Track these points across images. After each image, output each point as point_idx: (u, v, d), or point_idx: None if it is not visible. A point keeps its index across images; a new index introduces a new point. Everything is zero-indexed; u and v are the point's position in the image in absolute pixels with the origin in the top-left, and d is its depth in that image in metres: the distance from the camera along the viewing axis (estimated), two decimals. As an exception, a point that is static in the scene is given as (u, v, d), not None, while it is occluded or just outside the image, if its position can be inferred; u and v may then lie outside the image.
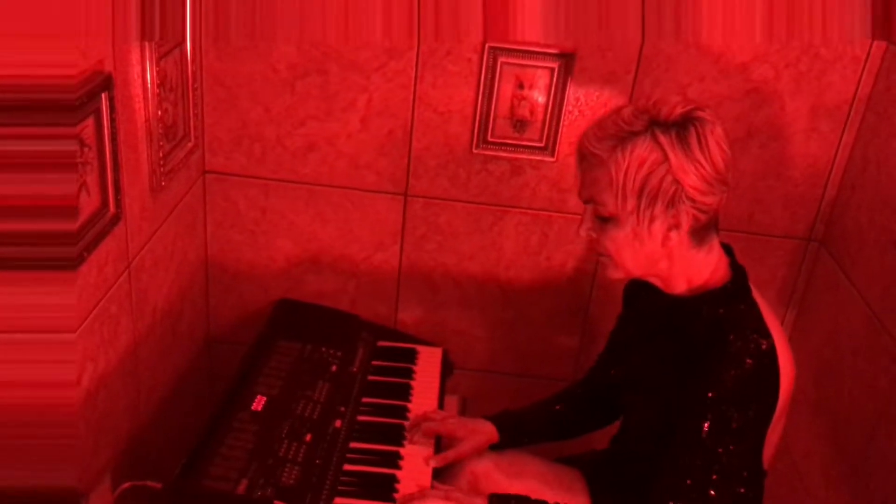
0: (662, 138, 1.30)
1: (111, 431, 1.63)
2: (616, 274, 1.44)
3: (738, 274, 1.44)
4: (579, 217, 1.46)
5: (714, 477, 1.33)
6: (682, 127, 1.31)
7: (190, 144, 1.87)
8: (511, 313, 2.20)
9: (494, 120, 1.95)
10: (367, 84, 1.93)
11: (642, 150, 1.30)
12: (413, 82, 1.93)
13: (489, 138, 1.97)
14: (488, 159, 2.00)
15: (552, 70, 1.88)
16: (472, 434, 1.68)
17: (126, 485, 1.52)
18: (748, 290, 1.43)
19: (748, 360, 1.31)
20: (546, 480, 1.68)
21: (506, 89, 1.91)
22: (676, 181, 1.30)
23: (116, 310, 1.58)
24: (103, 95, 1.38)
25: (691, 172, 1.30)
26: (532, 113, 1.94)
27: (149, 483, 1.48)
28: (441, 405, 1.85)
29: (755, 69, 1.88)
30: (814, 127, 1.93)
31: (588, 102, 1.93)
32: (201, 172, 2.03)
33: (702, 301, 1.41)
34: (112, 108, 1.41)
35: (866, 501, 1.71)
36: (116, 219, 1.50)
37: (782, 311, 2.13)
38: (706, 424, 1.32)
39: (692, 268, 1.41)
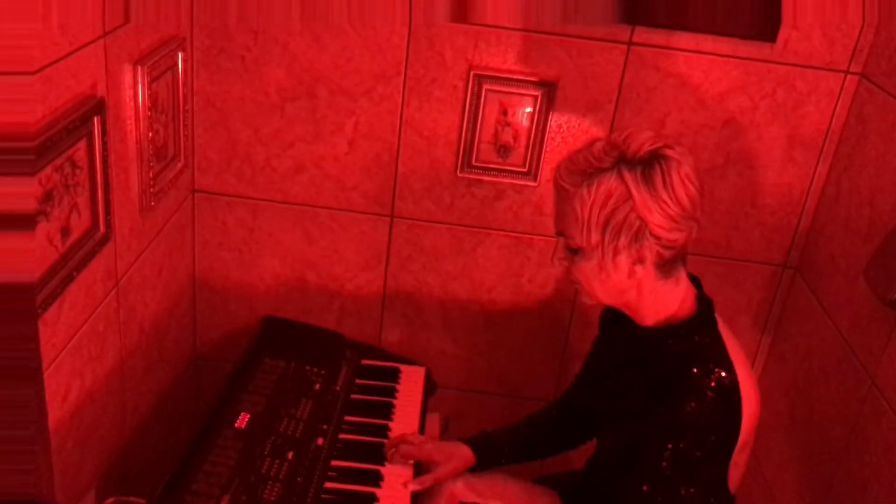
0: (628, 175, 1.32)
1: (97, 447, 1.65)
2: (589, 301, 1.49)
3: (704, 306, 1.46)
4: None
5: None
6: (648, 164, 1.33)
7: (180, 164, 1.90)
8: (493, 334, 2.24)
9: (478, 145, 1.99)
10: (355, 108, 1.97)
11: (608, 186, 1.33)
12: (400, 107, 1.97)
13: (473, 162, 2.01)
14: (472, 183, 2.05)
15: (535, 98, 1.93)
16: (449, 459, 1.70)
17: (110, 500, 1.54)
18: (714, 323, 1.45)
19: (710, 394, 1.34)
20: (522, 501, 1.71)
21: (490, 115, 1.96)
22: (640, 218, 1.33)
23: (104, 328, 1.60)
24: (96, 119, 1.42)
25: (655, 210, 1.32)
26: (515, 139, 1.98)
27: (133, 498, 1.50)
28: (423, 424, 1.88)
29: (733, 100, 1.93)
30: (790, 157, 1.98)
31: (570, 129, 1.97)
32: (190, 192, 2.07)
33: (668, 333, 1.44)
34: (104, 132, 1.44)
35: (836, 523, 1.75)
36: (106, 239, 1.53)
37: (758, 336, 2.17)
38: (666, 455, 1.35)
39: (660, 299, 1.44)
